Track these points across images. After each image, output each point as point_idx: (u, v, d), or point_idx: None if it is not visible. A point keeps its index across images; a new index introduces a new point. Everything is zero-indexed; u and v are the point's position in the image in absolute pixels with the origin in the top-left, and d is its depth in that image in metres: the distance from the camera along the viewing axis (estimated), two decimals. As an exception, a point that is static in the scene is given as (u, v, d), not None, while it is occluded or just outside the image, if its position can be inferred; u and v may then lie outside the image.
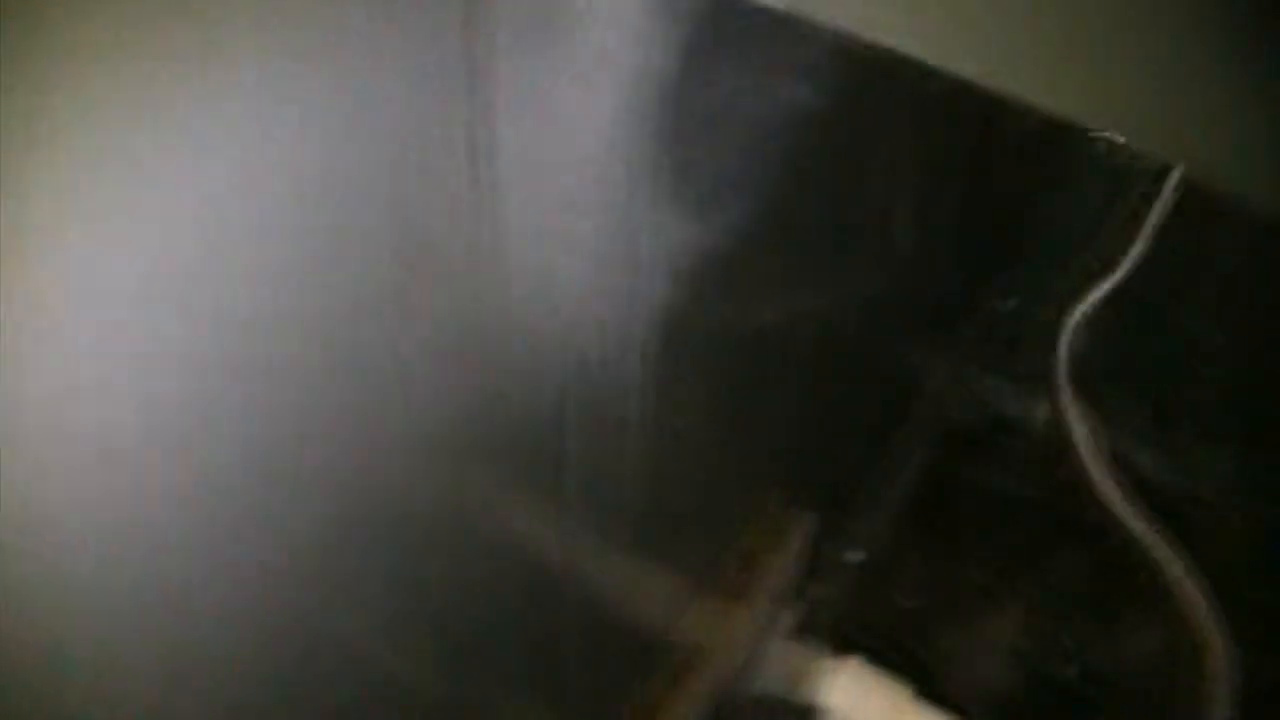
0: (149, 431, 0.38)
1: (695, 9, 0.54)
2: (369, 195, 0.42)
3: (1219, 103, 0.40)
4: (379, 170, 0.41)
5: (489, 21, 0.43)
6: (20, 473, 0.34)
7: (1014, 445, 1.18)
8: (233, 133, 0.36)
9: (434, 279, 0.46)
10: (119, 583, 0.40)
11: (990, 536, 1.14)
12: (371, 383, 0.45)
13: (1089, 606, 1.08)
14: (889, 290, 1.04)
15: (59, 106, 0.31)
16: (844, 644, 1.03)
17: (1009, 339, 1.20)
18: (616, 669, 0.82)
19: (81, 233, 0.33)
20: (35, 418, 0.34)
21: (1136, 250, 1.06)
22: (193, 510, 0.40)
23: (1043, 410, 1.17)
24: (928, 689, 1.01)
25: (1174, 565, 1.04)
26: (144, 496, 0.39)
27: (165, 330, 0.37)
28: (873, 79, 0.77)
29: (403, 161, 0.42)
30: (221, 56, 0.35)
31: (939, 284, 1.13)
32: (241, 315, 0.39)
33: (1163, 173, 1.05)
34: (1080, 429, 1.11)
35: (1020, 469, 1.16)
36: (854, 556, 1.08)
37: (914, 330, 1.14)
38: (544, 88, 0.47)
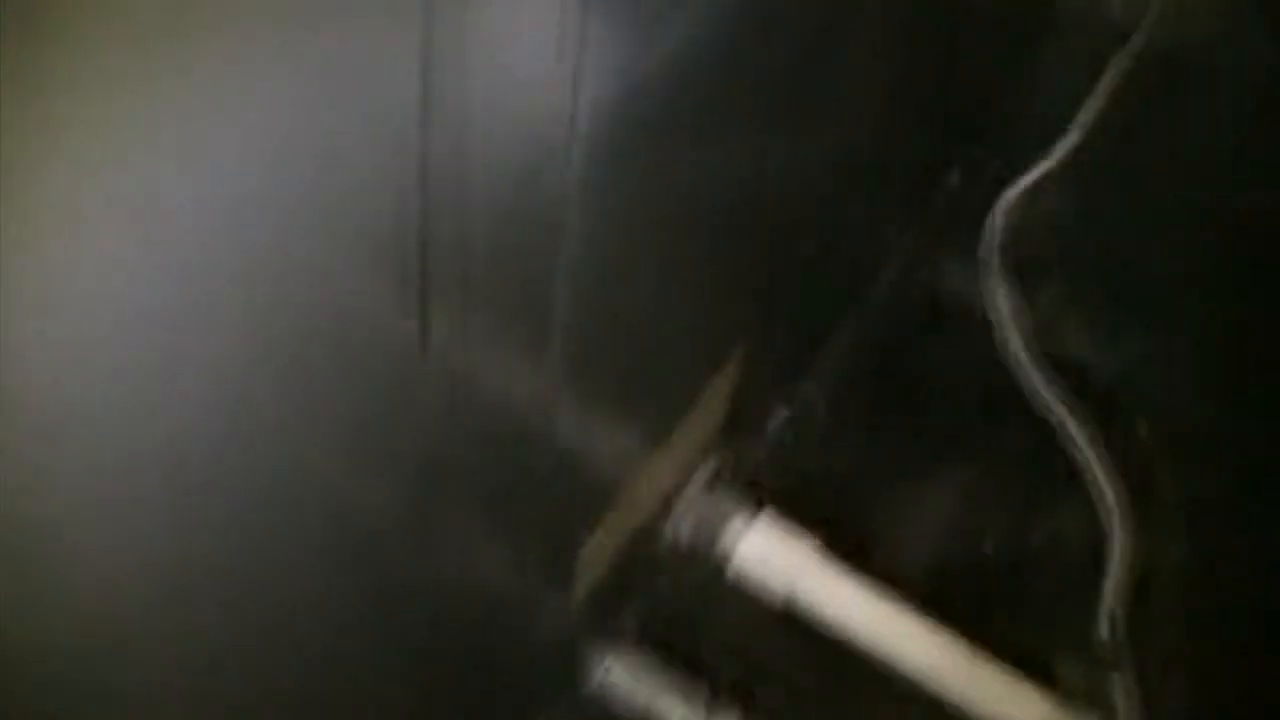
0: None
1: None
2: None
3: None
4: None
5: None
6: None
7: (952, 325, 1.21)
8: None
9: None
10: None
11: (922, 414, 1.18)
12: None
13: (1012, 487, 1.13)
14: (845, 158, 1.05)
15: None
16: (764, 499, 1.07)
17: (951, 216, 1.23)
18: (560, 512, 0.84)
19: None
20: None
21: (1077, 132, 1.08)
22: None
23: (979, 292, 1.20)
24: (841, 548, 1.06)
25: (1088, 452, 1.09)
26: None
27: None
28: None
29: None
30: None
31: (898, 156, 1.15)
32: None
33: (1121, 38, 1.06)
34: (1006, 310, 1.14)
35: (957, 349, 1.20)
36: (779, 416, 1.11)
37: (867, 203, 1.16)
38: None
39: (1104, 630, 1.00)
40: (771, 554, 1.06)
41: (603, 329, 0.76)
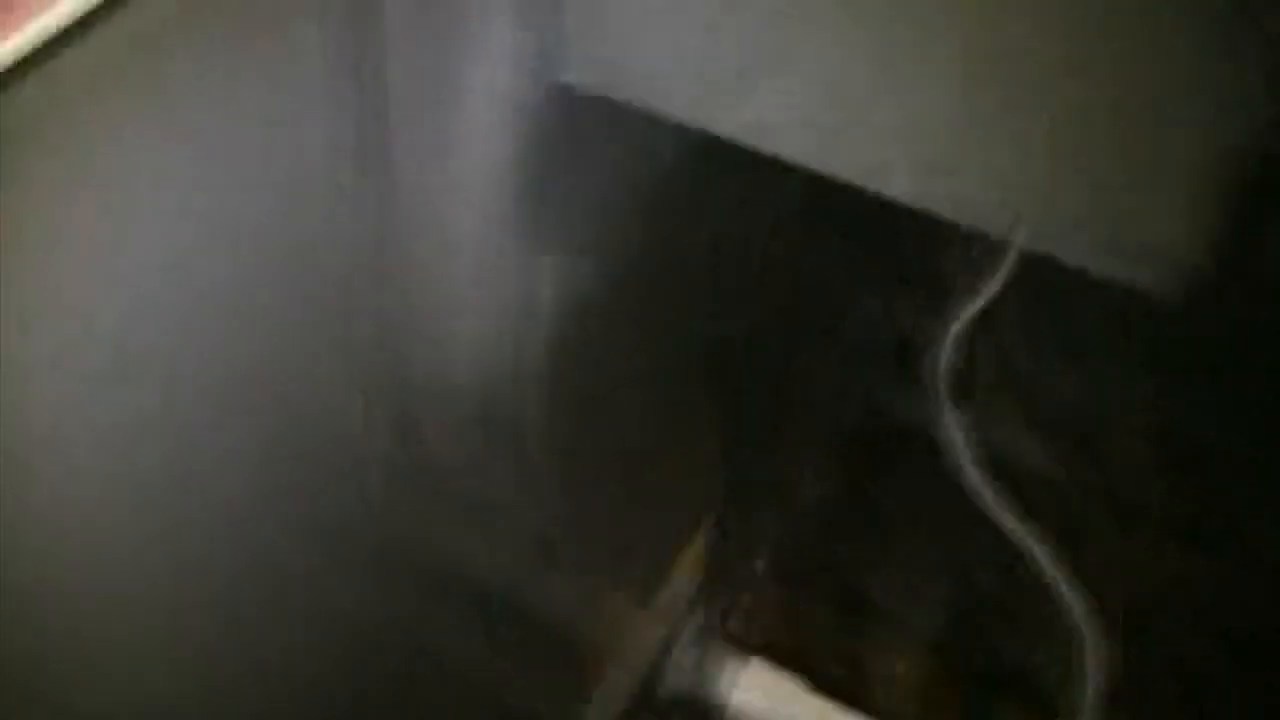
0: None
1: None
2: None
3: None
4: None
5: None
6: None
7: (909, 454, 1.20)
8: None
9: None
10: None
11: (894, 542, 1.20)
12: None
13: (990, 604, 1.14)
14: (794, 318, 1.05)
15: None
16: (750, 648, 1.14)
17: (899, 350, 1.19)
18: (536, 675, 0.93)
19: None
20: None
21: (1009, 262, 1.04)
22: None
23: (928, 419, 1.18)
24: (832, 686, 1.12)
25: (1051, 566, 1.09)
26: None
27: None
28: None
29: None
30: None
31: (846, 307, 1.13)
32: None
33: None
34: (958, 436, 1.13)
35: (917, 477, 1.19)
36: (759, 564, 1.16)
37: (808, 347, 1.15)
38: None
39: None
40: (765, 700, 1.13)
41: (582, 492, 0.83)
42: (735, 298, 0.95)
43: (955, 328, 1.10)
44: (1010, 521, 1.11)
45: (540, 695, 0.91)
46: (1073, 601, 1.10)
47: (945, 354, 1.11)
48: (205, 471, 0.48)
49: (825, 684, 1.14)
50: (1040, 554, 1.11)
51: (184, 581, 0.50)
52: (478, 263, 0.54)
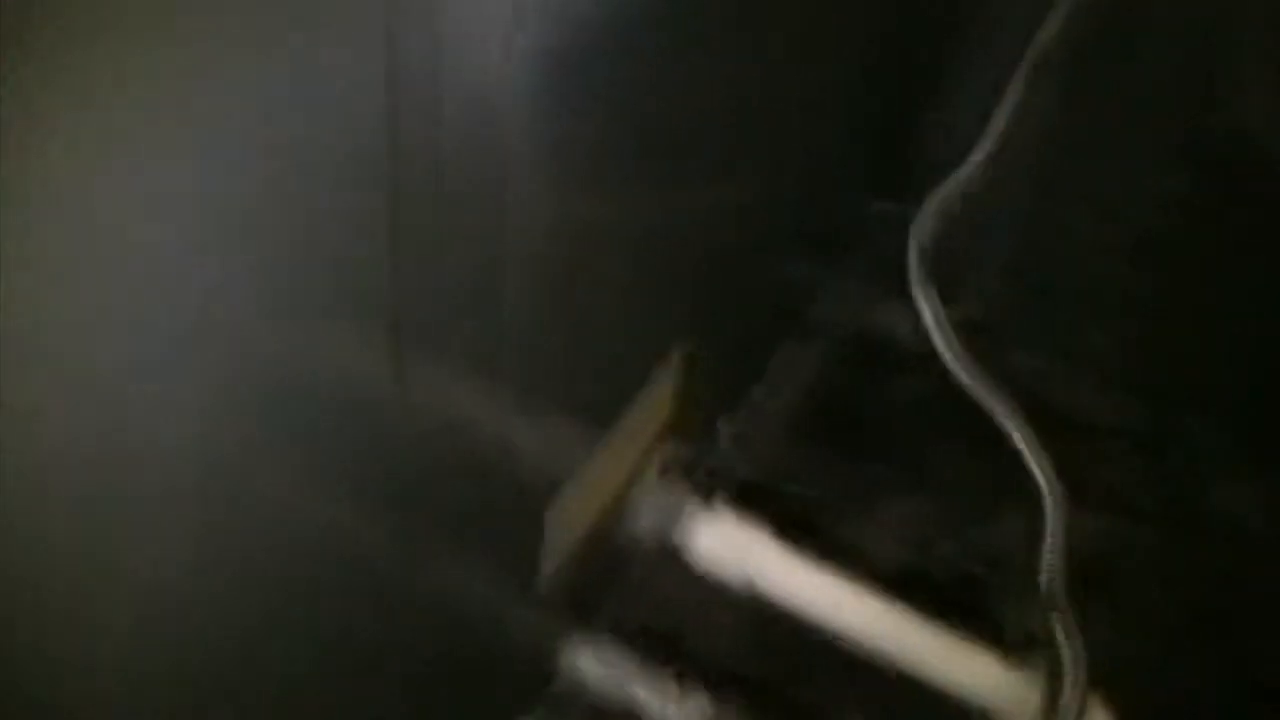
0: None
1: None
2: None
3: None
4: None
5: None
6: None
7: (888, 348, 1.29)
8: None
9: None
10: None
11: (862, 428, 1.25)
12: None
13: (956, 491, 1.20)
14: (778, 185, 1.14)
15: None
16: (715, 492, 1.14)
17: (874, 244, 1.31)
18: (518, 510, 0.89)
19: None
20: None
21: (987, 143, 1.17)
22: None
23: (906, 311, 1.28)
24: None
25: (1020, 440, 1.16)
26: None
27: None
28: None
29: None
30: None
31: (822, 190, 1.24)
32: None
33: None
34: (935, 325, 1.22)
35: (896, 371, 1.28)
36: (724, 429, 1.18)
37: (799, 233, 1.25)
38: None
39: (1043, 581, 1.06)
40: (727, 539, 1.12)
41: (550, 321, 0.83)
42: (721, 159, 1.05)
43: (925, 210, 1.23)
44: (981, 397, 1.20)
45: (502, 532, 0.91)
46: (1041, 475, 1.17)
47: (918, 236, 1.23)
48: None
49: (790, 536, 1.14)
50: (1010, 426, 1.19)
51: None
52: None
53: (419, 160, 0.60)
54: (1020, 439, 1.18)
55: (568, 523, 0.99)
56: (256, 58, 0.47)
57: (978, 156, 1.20)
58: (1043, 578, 1.09)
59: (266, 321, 0.54)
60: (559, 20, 0.67)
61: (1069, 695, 1.00)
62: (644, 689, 1.09)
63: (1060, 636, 1.03)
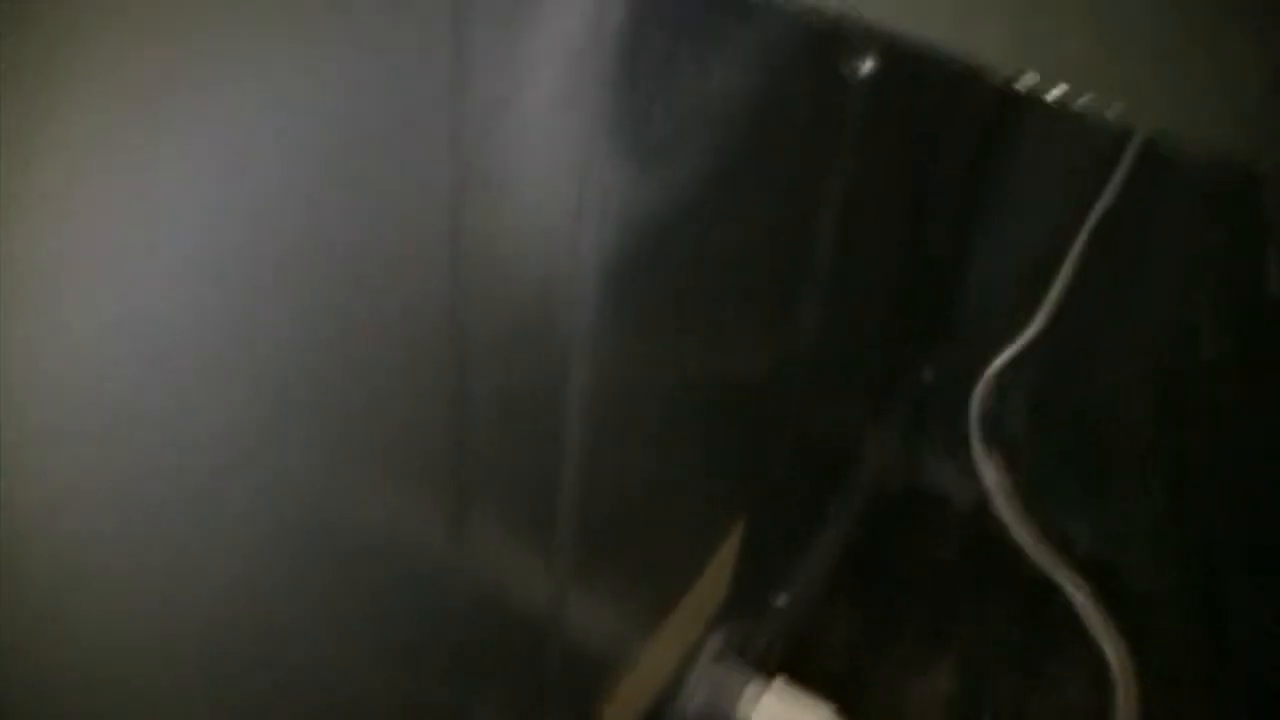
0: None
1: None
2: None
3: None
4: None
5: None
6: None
7: (937, 509, 1.27)
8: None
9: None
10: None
11: (916, 597, 1.23)
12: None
13: (1013, 659, 1.16)
14: (831, 349, 1.13)
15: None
16: (773, 671, 1.11)
17: (927, 406, 1.30)
18: (573, 689, 0.87)
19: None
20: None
21: (1046, 309, 1.16)
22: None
23: (961, 473, 1.26)
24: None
25: (1091, 616, 1.13)
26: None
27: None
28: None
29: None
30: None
31: (872, 353, 1.23)
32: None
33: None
34: (996, 489, 1.20)
35: (943, 532, 1.25)
36: (781, 600, 1.15)
37: (849, 396, 1.23)
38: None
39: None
40: (786, 717, 1.08)
41: (609, 501, 0.82)
42: (776, 322, 1.05)
43: (990, 371, 1.21)
44: (1047, 566, 1.17)
45: (558, 708, 0.90)
46: (1106, 644, 1.13)
47: (978, 402, 1.22)
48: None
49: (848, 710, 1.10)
50: (1076, 597, 1.16)
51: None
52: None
53: (484, 330, 0.59)
54: (1083, 607, 1.15)
55: (622, 703, 0.96)
56: (335, 225, 0.47)
57: (1037, 322, 1.19)
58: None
59: (328, 474, 0.53)
60: (619, 212, 0.66)
61: None
62: None
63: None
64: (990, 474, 1.22)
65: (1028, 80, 0.42)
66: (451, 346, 0.58)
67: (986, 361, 1.22)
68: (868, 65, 0.87)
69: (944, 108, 1.12)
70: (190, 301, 0.41)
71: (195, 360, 0.42)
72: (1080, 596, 1.15)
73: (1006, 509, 1.22)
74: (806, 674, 1.14)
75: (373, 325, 0.52)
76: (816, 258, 0.98)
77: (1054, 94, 0.41)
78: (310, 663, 0.58)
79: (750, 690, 1.10)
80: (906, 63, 0.89)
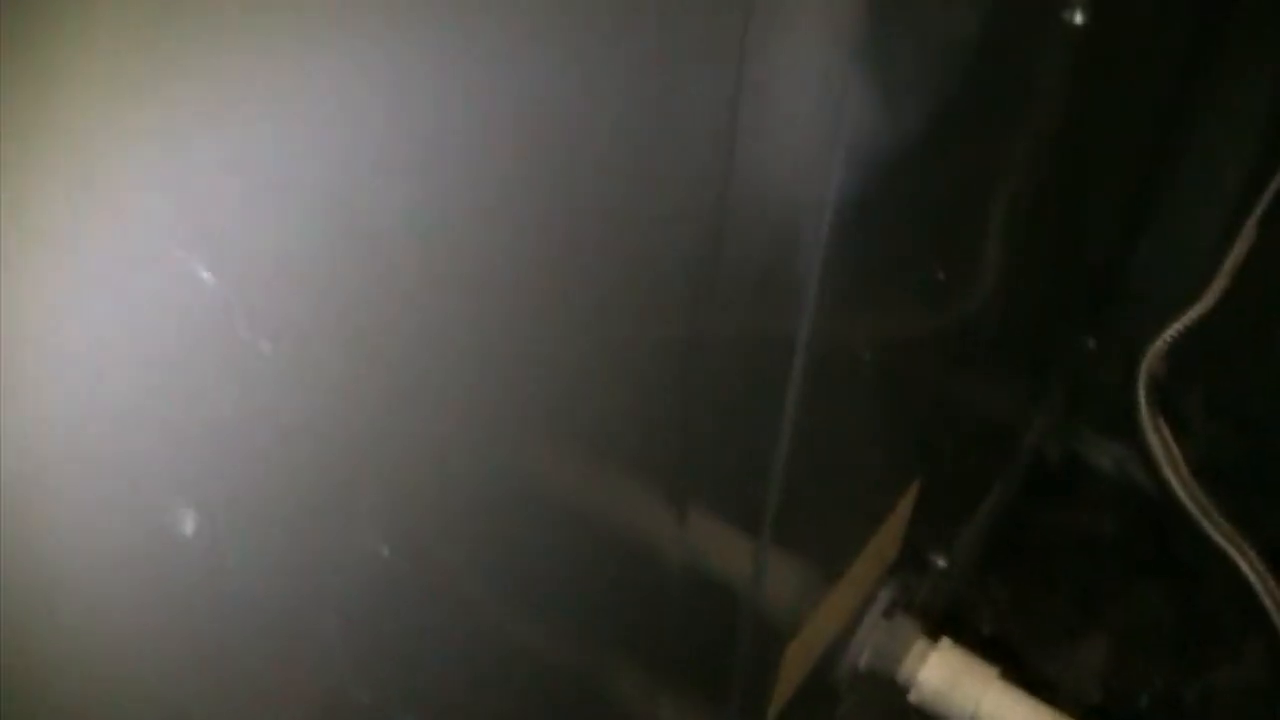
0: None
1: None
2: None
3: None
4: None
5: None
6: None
7: (1098, 484, 1.26)
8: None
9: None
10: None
11: (1073, 569, 1.22)
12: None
13: (1174, 637, 1.15)
14: (1009, 311, 1.12)
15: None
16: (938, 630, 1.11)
17: (1092, 377, 1.29)
18: (755, 639, 0.88)
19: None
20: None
21: (1222, 280, 1.14)
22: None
23: (1125, 446, 1.25)
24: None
25: (1266, 595, 1.11)
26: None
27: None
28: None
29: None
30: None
31: (1043, 318, 1.22)
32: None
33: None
34: (1164, 461, 1.18)
35: (1103, 504, 1.24)
36: (943, 562, 1.15)
37: (1019, 360, 1.23)
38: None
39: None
40: (955, 679, 1.09)
41: (816, 450, 0.82)
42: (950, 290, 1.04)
43: (1160, 343, 1.20)
44: (1223, 542, 1.15)
45: (740, 666, 0.90)
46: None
47: (1145, 375, 1.20)
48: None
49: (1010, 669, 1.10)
50: (1253, 574, 1.14)
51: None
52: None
53: (716, 302, 0.60)
54: (1258, 586, 1.13)
55: (799, 658, 0.97)
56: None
57: (1213, 293, 1.17)
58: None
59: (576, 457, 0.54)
60: (859, 155, 0.67)
61: None
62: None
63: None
64: (1158, 446, 1.21)
65: None
66: (689, 305, 0.58)
67: (1157, 333, 1.21)
68: (1080, 14, 0.86)
69: (1146, 60, 1.11)
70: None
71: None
72: (1255, 575, 1.14)
73: (1174, 482, 1.20)
74: (959, 640, 1.14)
75: (637, 254, 0.53)
76: (1015, 211, 0.98)
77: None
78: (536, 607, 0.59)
79: (917, 648, 1.10)
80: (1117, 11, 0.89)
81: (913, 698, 1.10)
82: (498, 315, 0.45)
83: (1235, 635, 1.16)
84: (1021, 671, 1.17)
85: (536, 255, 0.46)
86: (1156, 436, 1.19)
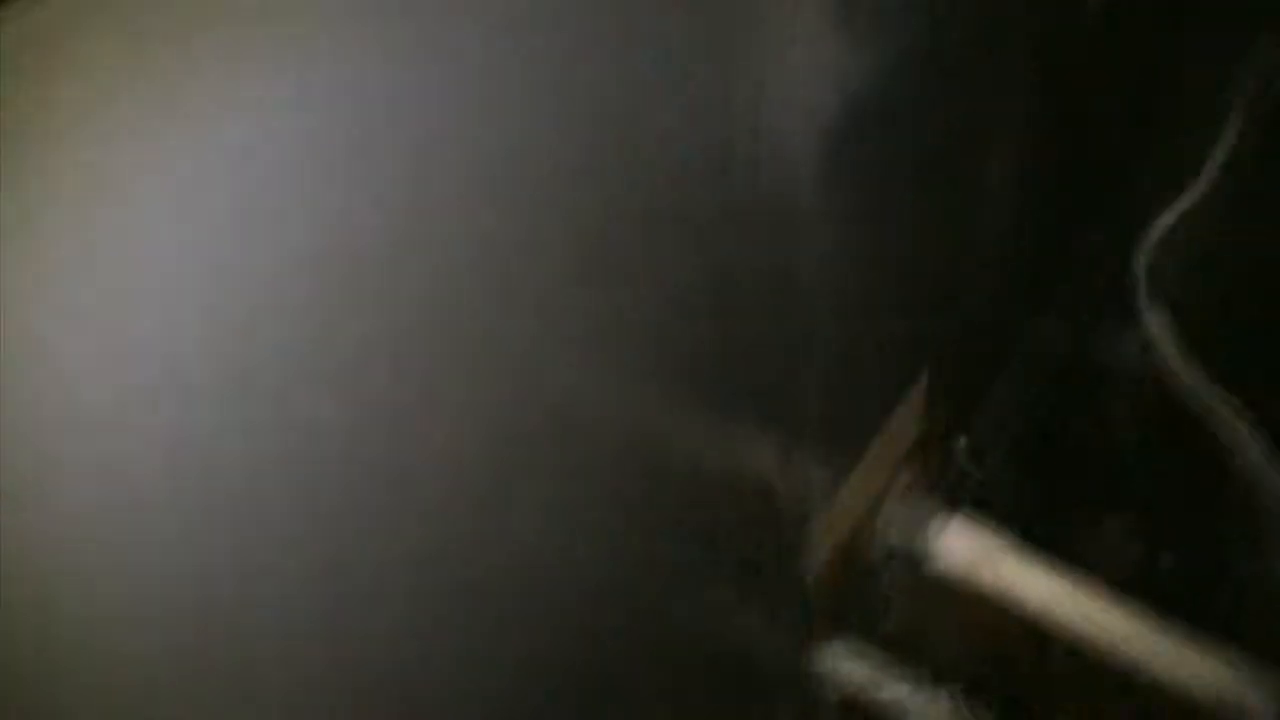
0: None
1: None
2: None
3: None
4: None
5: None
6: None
7: (1104, 369, 1.33)
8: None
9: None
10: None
11: (1088, 456, 1.30)
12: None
13: (1187, 514, 1.23)
14: (1014, 207, 1.20)
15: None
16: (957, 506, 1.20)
17: (1094, 271, 1.36)
18: (787, 521, 0.97)
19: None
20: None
21: (1218, 159, 1.20)
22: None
23: (1127, 331, 1.32)
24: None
25: (1258, 459, 1.19)
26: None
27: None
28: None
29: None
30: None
31: (1048, 211, 1.30)
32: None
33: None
34: (1161, 344, 1.26)
35: (1116, 396, 1.31)
36: (960, 445, 1.24)
37: (1024, 254, 1.30)
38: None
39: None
40: (972, 548, 1.18)
41: (838, 340, 0.91)
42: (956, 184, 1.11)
43: (1153, 233, 1.27)
44: (1223, 414, 1.23)
45: (753, 545, 0.98)
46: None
47: (1144, 262, 1.27)
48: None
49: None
50: (1253, 449, 1.21)
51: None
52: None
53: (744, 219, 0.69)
54: (1255, 457, 1.21)
55: (827, 535, 1.07)
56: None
57: (1200, 187, 1.24)
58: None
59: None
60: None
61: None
62: (892, 691, 1.15)
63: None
64: (1155, 329, 1.28)
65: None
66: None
67: (1151, 216, 1.27)
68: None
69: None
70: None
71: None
72: (1254, 453, 1.21)
73: (1173, 363, 1.28)
74: (991, 517, 1.23)
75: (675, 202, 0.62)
76: (1013, 123, 1.05)
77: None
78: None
79: (936, 522, 1.20)
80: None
81: (938, 569, 1.20)
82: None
83: (1240, 510, 1.23)
84: (1051, 546, 1.24)
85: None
86: (1151, 321, 1.27)
